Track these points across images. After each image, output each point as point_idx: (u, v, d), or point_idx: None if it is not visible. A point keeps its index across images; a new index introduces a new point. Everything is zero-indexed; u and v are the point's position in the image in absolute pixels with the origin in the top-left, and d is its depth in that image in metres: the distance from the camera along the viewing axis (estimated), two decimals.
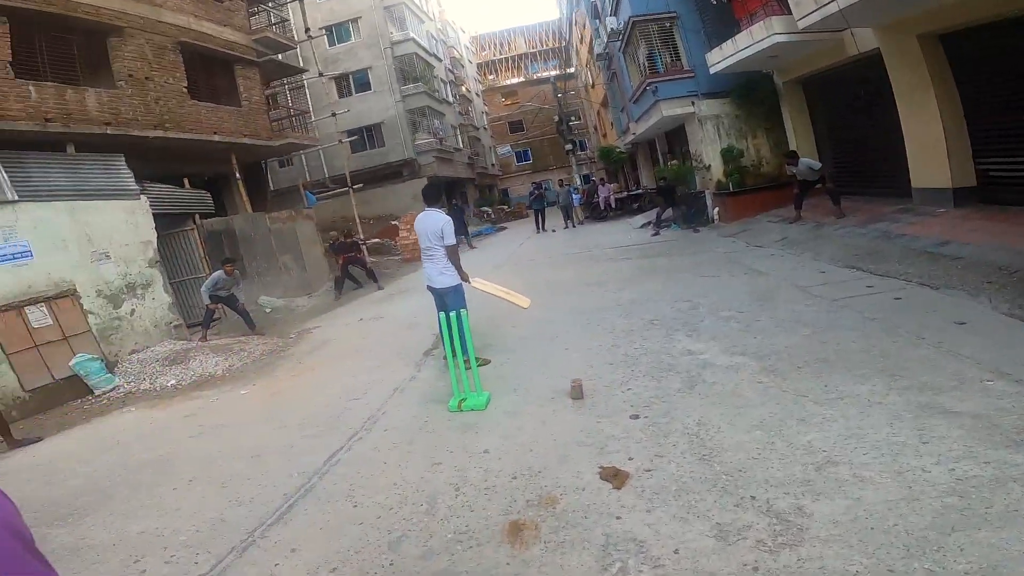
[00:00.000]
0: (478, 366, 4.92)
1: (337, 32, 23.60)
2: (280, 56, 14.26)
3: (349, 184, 15.37)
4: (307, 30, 15.27)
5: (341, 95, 23.40)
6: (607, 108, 24.41)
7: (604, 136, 29.29)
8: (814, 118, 11.34)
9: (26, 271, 7.10)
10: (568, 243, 14.02)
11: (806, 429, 2.87)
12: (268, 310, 10.55)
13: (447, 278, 4.91)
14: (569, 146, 24.35)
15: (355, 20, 23.56)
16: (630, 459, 2.93)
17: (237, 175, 11.97)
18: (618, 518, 2.43)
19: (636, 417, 3.42)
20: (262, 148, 12.97)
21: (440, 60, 29.28)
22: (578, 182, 24.23)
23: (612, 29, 15.34)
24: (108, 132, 8.80)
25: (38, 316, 7.11)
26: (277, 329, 9.37)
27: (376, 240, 17.08)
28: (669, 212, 12.49)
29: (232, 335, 8.94)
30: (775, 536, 2.10)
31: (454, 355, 4.12)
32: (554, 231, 17.47)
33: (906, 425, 2.71)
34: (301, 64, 15.99)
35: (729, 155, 12.33)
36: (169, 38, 10.50)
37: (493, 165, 40.85)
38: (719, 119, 12.55)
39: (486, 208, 30.04)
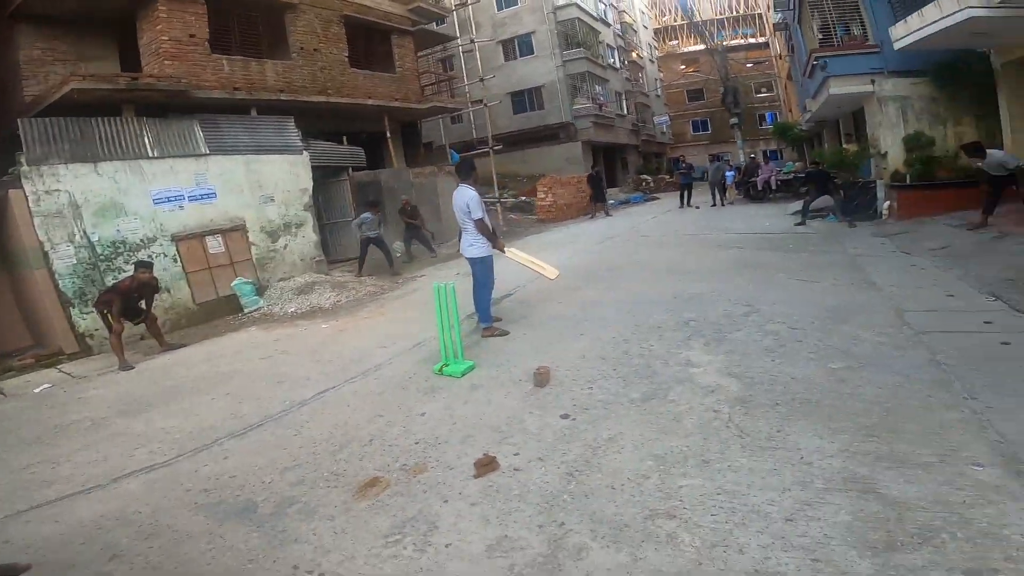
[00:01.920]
0: (497, 335, 5.31)
1: None
2: (435, 24, 15.49)
3: (490, 145, 16.30)
4: None
5: (507, 58, 24.86)
6: (792, 81, 23.19)
7: (790, 112, 28.21)
8: None
9: (209, 209, 9.24)
10: (698, 223, 13.05)
11: (696, 473, 2.67)
12: (397, 254, 12.02)
13: (475, 249, 5.29)
14: (734, 120, 22.45)
15: None
16: (516, 455, 3.06)
17: (388, 134, 13.60)
18: (445, 501, 2.67)
19: (566, 417, 3.47)
20: (412, 111, 14.50)
21: (608, 25, 29.60)
22: (741, 158, 22.26)
23: None
24: (282, 98, 10.79)
25: (214, 245, 9.29)
26: (400, 273, 10.70)
27: (523, 198, 17.95)
28: (826, 200, 10.90)
29: (375, 274, 10.43)
30: (535, 565, 2.16)
31: (443, 323, 4.50)
32: (697, 208, 16.33)
33: (802, 497, 2.37)
34: (473, 29, 17.13)
35: (914, 142, 10.53)
36: (335, 12, 12.26)
37: (663, 133, 40.14)
38: (906, 101, 10.87)
39: (645, 176, 29.28)
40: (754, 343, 4.37)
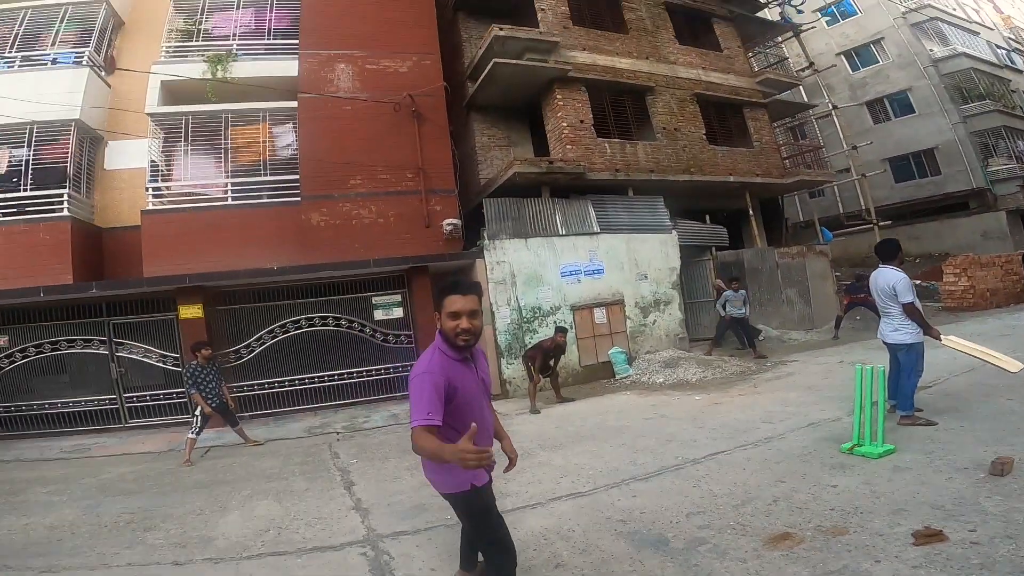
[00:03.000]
0: (920, 424, 4.73)
1: (858, 55, 22.85)
2: (786, 94, 15.22)
3: (874, 220, 14.18)
4: (810, 64, 15.59)
5: (876, 120, 22.17)
6: None
7: None
8: None
9: (598, 283, 10.87)
10: None
11: None
12: (761, 338, 11.61)
13: (900, 335, 4.95)
14: None
15: (876, 41, 22.23)
16: (971, 531, 2.76)
17: (750, 211, 13.49)
18: (876, 561, 2.60)
19: None
20: (774, 186, 14.08)
21: (1020, 72, 24.23)
22: None
23: None
24: (652, 178, 12.00)
25: (599, 316, 10.82)
26: (767, 356, 10.31)
27: (918, 282, 14.86)
28: None
29: (730, 353, 10.59)
30: None
31: (862, 405, 4.29)
32: None
33: None
34: (825, 93, 16.24)
35: None
36: (686, 91, 13.18)
37: None
38: None
39: None
40: None
